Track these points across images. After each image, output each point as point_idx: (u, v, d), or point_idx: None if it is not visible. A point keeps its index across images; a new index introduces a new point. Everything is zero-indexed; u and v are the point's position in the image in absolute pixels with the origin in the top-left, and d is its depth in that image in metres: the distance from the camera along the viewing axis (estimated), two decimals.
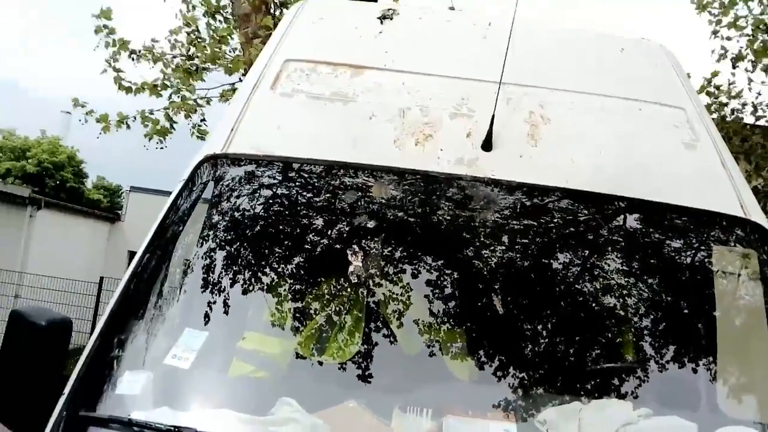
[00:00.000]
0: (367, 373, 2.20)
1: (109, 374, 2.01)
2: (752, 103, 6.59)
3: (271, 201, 2.52)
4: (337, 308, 2.39)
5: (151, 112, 8.05)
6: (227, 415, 1.85)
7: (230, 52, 8.31)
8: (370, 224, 2.50)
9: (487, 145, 2.54)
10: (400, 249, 2.50)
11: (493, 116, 2.55)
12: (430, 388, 2.13)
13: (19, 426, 2.13)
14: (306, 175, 2.56)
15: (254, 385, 2.14)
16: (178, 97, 7.94)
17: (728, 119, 6.63)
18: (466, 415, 1.98)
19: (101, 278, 13.20)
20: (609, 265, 2.50)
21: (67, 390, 1.97)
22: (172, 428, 1.72)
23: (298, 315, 2.37)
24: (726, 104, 6.72)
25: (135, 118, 8.05)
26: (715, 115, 6.67)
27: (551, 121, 2.68)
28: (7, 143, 25.35)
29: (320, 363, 2.26)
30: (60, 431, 1.87)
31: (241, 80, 8.60)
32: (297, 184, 2.56)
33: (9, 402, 2.06)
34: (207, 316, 2.16)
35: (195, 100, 8.10)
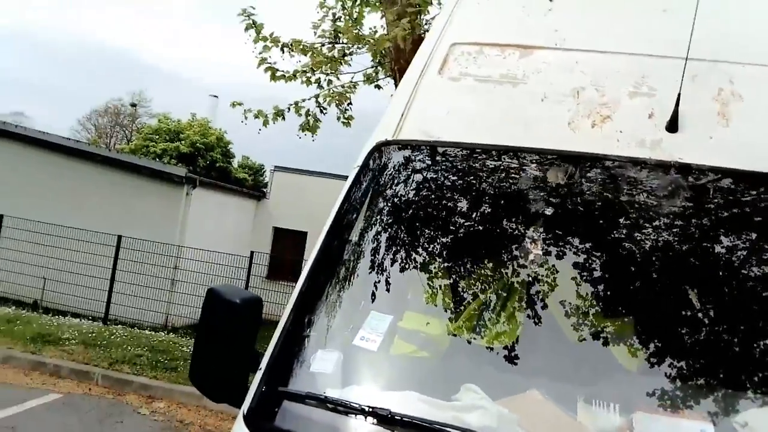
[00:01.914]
0: (538, 360, 2.16)
1: (302, 353, 2.12)
2: None
3: (441, 186, 2.53)
4: (499, 292, 2.37)
5: (303, 101, 8.37)
6: (416, 398, 1.90)
7: (371, 31, 8.43)
8: (543, 210, 2.44)
9: (672, 125, 2.38)
10: (572, 236, 2.43)
11: (679, 94, 2.39)
12: (608, 379, 2.06)
13: (216, 395, 2.31)
14: (477, 160, 2.54)
15: (433, 368, 2.17)
16: (326, 82, 8.18)
17: None
18: (656, 412, 1.90)
19: (251, 252, 14.00)
20: None
21: (263, 365, 2.11)
22: (367, 408, 1.78)
23: (459, 297, 2.37)
24: None
25: (289, 109, 8.40)
26: None
27: (743, 99, 2.47)
28: (163, 126, 27.45)
29: (490, 348, 2.25)
30: (258, 404, 2.00)
31: (381, 62, 8.73)
32: (467, 168, 2.55)
33: (207, 372, 2.24)
34: (389, 298, 2.22)
35: (343, 86, 8.32)
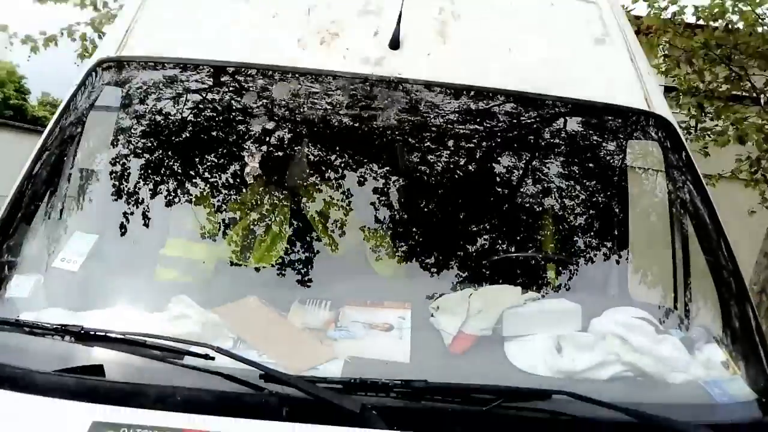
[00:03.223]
0: (282, 273, 2.21)
1: None
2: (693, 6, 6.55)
3: (169, 105, 2.45)
4: (258, 213, 2.38)
5: (78, 24, 7.62)
6: (116, 313, 1.85)
7: None
8: (276, 127, 2.46)
9: (394, 43, 2.48)
10: (309, 150, 2.48)
11: (401, 13, 2.49)
12: (336, 283, 2.15)
13: None
14: (205, 78, 2.48)
15: (152, 286, 2.13)
16: (102, 4, 7.49)
17: (667, 19, 6.58)
18: (364, 305, 2.02)
19: None
20: (517, 160, 2.52)
21: None
22: (59, 327, 1.71)
23: (214, 220, 2.35)
24: (665, 8, 6.65)
25: (62, 34, 7.63)
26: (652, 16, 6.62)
27: (461, 18, 2.62)
28: None
29: (239, 265, 2.26)
30: None
31: None
32: (196, 87, 2.48)
33: None
34: (98, 220, 2.14)
35: (121, 7, 7.65)
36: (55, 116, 2.27)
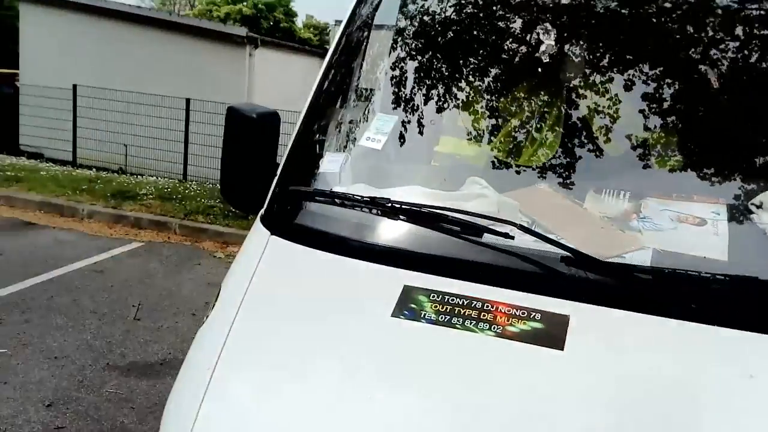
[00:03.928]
0: (565, 168, 2.12)
1: (312, 156, 2.17)
2: None
3: (440, 13, 2.40)
4: (533, 112, 2.30)
5: None
6: (419, 191, 1.92)
7: None
8: (561, 25, 2.30)
9: None
10: (595, 51, 2.29)
11: None
12: (630, 177, 2.00)
13: (243, 207, 2.42)
14: None
15: (447, 169, 2.17)
16: None
17: None
18: (669, 198, 1.85)
19: None
20: None
21: (278, 172, 2.18)
22: (368, 199, 1.82)
23: (492, 119, 2.32)
24: None
25: None
26: None
27: None
28: None
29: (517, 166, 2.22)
30: (271, 205, 2.09)
31: None
32: None
33: (234, 186, 2.33)
34: (399, 107, 2.21)
35: None
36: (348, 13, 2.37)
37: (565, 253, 1.58)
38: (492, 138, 2.29)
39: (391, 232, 1.80)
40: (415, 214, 1.77)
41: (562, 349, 1.43)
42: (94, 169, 13.00)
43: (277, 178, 2.14)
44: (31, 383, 4.46)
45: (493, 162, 2.21)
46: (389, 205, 1.80)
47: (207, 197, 10.52)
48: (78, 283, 6.59)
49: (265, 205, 2.10)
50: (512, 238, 1.66)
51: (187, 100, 13.17)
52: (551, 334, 1.46)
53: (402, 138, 2.15)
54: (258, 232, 2.00)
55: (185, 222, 9.08)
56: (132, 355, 5.06)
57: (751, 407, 1.33)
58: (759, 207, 1.74)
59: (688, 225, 1.74)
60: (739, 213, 1.75)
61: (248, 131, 2.25)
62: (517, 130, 2.28)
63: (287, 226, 1.97)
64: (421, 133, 2.30)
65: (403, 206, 1.78)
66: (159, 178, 12.56)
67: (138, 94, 13.44)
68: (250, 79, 14.97)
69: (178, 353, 5.13)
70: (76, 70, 14.71)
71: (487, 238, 1.69)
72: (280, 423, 1.45)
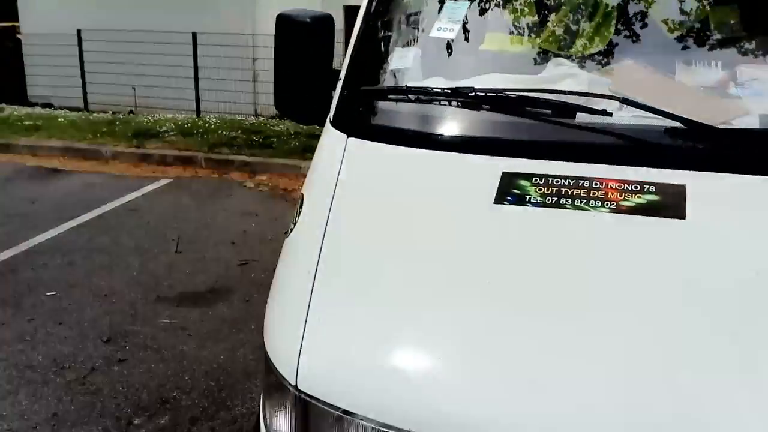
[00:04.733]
0: (647, 45, 2.01)
1: (379, 53, 2.08)
2: None
3: None
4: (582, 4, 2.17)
5: None
6: (500, 78, 1.84)
7: None
8: None
9: None
10: None
11: None
12: (710, 46, 1.90)
13: (302, 117, 2.35)
14: None
15: (518, 56, 2.08)
16: None
17: None
18: (764, 63, 1.77)
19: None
20: None
21: (342, 74, 2.10)
22: (450, 90, 1.75)
23: (541, 11, 2.19)
24: None
25: None
26: None
27: None
28: None
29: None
30: (341, 107, 2.01)
31: None
32: None
33: (291, 97, 2.26)
34: None
35: None
36: None
37: (672, 122, 1.52)
38: (539, 31, 2.18)
39: (478, 121, 1.73)
40: (502, 100, 1.70)
41: (684, 218, 1.39)
42: (110, 112, 12.88)
43: (342, 81, 2.06)
44: (85, 321, 4.53)
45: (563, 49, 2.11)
46: (473, 93, 1.73)
47: (228, 129, 10.44)
48: (114, 222, 6.63)
49: (333, 109, 2.03)
50: (610, 114, 1.60)
51: (194, 34, 12.86)
52: (670, 203, 1.42)
53: (478, 23, 2.05)
54: (332, 135, 1.94)
55: (210, 155, 9.05)
56: (180, 286, 5.12)
57: None
58: None
59: None
60: None
61: (301, 38, 2.15)
62: (565, 22, 2.17)
63: (366, 126, 1.91)
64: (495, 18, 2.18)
65: (488, 94, 1.71)
66: (177, 114, 12.43)
67: (143, 32, 13.13)
68: (252, 5, 14.54)
69: (225, 281, 5.19)
70: (77, 13, 14.33)
71: (583, 117, 1.62)
72: (393, 322, 1.41)
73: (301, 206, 1.88)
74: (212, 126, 10.75)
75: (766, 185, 1.43)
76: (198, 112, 12.78)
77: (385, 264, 1.53)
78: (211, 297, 4.95)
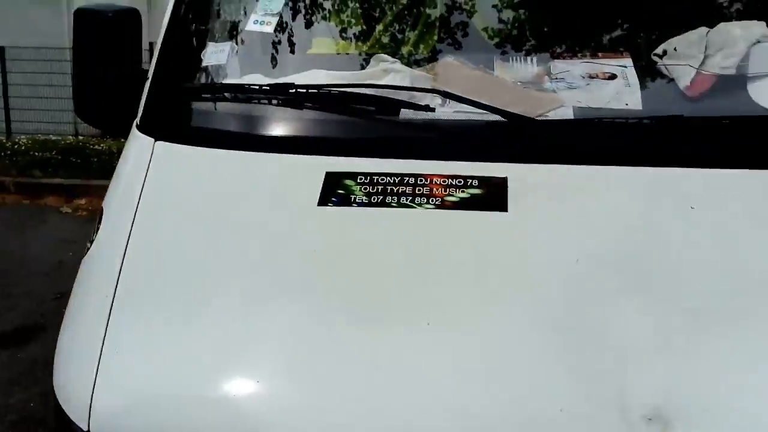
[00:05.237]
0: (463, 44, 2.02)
1: (190, 50, 1.91)
2: None
3: None
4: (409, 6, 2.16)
5: None
6: (322, 75, 1.74)
7: None
8: None
9: None
10: None
11: None
12: (533, 42, 1.95)
13: (109, 126, 2.10)
14: None
15: (344, 62, 1.99)
16: None
17: None
18: (575, 57, 1.83)
19: (150, 43, 13.01)
20: None
21: (150, 74, 1.90)
22: (268, 87, 1.63)
23: (367, 16, 2.15)
24: None
25: None
26: None
27: None
28: None
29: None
30: (149, 110, 1.81)
31: None
32: None
33: (95, 102, 2.01)
34: None
35: None
36: None
37: (493, 116, 1.51)
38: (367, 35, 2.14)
39: (300, 119, 1.62)
40: (324, 97, 1.60)
41: (506, 210, 1.38)
42: None
43: (150, 79, 1.86)
44: None
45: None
46: (293, 90, 1.61)
47: (41, 150, 9.49)
48: None
49: (141, 112, 1.83)
50: (433, 110, 1.56)
51: (1, 49, 11.67)
52: (492, 196, 1.40)
53: (294, 17, 1.93)
54: (138, 140, 1.74)
55: (20, 179, 8.24)
56: None
57: (691, 235, 1.36)
58: (661, 56, 1.76)
59: (599, 80, 1.73)
60: (645, 62, 1.77)
61: (104, 34, 1.93)
62: (391, 26, 2.14)
63: (175, 128, 1.73)
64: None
65: (309, 90, 1.60)
66: None
67: None
68: (69, 19, 13.51)
69: (37, 317, 4.67)
70: None
71: (407, 113, 1.57)
72: (202, 344, 1.25)
73: (99, 222, 1.66)
74: (23, 147, 9.73)
75: (582, 173, 1.46)
76: (9, 133, 11.55)
77: (194, 281, 1.37)
78: (21, 336, 4.41)
